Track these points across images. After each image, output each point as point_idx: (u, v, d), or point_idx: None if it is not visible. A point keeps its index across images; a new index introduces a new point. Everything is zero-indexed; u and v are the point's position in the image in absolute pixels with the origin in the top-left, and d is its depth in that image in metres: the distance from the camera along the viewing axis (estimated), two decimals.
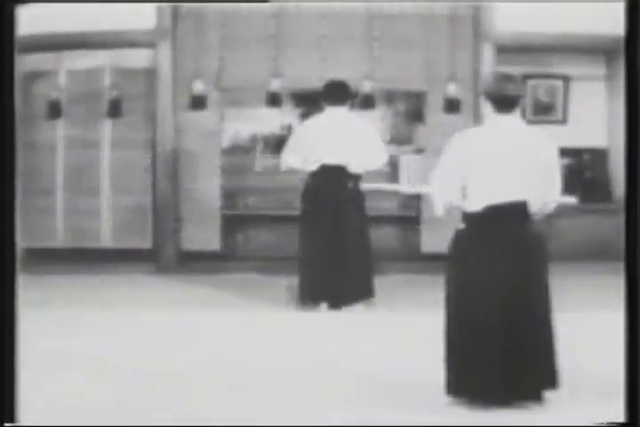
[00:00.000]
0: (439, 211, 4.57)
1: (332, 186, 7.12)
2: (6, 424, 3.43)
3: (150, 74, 9.03)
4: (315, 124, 7.32)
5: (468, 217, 4.42)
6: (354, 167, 7.15)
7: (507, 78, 4.51)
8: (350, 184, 7.17)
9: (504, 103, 4.41)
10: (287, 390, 4.64)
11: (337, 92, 7.29)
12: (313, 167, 7.17)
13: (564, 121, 10.10)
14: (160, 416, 4.13)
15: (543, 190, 4.45)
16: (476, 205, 4.37)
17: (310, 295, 7.02)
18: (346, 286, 6.99)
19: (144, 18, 8.73)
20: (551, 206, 4.55)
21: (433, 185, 4.53)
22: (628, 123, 3.99)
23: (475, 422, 4.10)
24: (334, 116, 7.23)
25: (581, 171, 9.93)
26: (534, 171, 4.40)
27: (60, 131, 9.17)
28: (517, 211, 4.38)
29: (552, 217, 9.38)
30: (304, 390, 4.64)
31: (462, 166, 4.38)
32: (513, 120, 4.45)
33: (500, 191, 4.35)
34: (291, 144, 7.36)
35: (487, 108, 4.47)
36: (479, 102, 8.92)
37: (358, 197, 7.23)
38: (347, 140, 7.13)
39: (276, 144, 10.33)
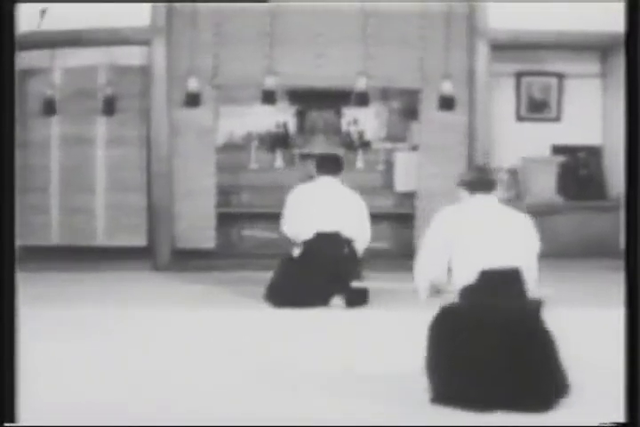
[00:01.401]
0: (422, 295, 4.62)
1: (327, 252, 7.09)
2: (6, 424, 3.42)
3: (145, 71, 9.02)
4: (307, 194, 7.34)
5: (462, 291, 4.44)
6: (348, 232, 7.17)
7: (481, 169, 4.82)
8: (346, 250, 7.18)
9: (480, 185, 4.58)
10: (281, 389, 4.64)
11: (330, 165, 7.39)
12: (308, 235, 7.17)
13: (558, 118, 10.13)
14: (159, 415, 4.12)
15: (527, 259, 4.50)
16: (467, 275, 4.41)
17: (277, 297, 7.05)
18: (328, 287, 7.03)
19: (139, 15, 8.71)
20: (532, 282, 4.54)
21: (418, 266, 4.60)
22: (627, 120, 3.99)
23: (473, 421, 4.10)
24: (326, 186, 7.30)
25: (576, 168, 9.96)
26: (516, 237, 4.47)
27: (55, 128, 9.17)
28: (511, 279, 4.41)
29: (547, 214, 9.49)
30: (297, 388, 4.64)
31: (447, 239, 4.45)
32: (490, 197, 4.59)
33: (489, 256, 4.39)
34: (287, 214, 7.35)
35: (463, 193, 4.62)
36: (474, 99, 9.00)
37: (354, 261, 7.22)
38: (339, 209, 7.20)
39: (271, 142, 10.35)
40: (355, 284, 7.12)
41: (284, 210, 7.37)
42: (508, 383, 4.21)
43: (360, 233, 7.26)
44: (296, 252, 7.24)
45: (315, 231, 7.15)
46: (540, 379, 4.27)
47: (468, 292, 4.42)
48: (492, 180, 4.61)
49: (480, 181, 4.58)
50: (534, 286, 4.56)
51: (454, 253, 4.45)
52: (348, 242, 7.21)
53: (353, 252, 7.23)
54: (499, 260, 4.39)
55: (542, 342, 4.36)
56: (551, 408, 4.22)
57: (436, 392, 4.32)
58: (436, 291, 4.60)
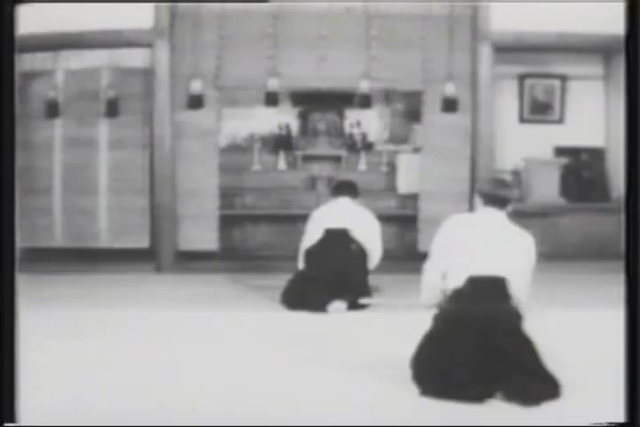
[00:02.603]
0: (424, 299, 4.77)
1: (335, 248, 7.18)
2: (6, 424, 3.43)
3: (148, 73, 9.02)
4: (325, 209, 7.46)
5: (450, 295, 4.58)
6: (356, 231, 7.26)
7: (501, 183, 4.82)
8: (353, 246, 7.24)
9: (495, 202, 4.68)
10: (282, 389, 4.65)
11: (346, 189, 7.51)
12: (318, 234, 7.26)
13: (561, 120, 10.13)
14: (160, 416, 4.13)
15: (518, 275, 4.60)
16: (457, 279, 4.55)
17: (291, 300, 7.08)
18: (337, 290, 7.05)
19: (141, 17, 8.72)
20: (523, 295, 4.65)
21: (425, 270, 4.76)
22: (628, 122, 4.00)
23: (472, 422, 4.10)
24: (342, 202, 7.42)
25: (579, 170, 9.96)
26: (511, 251, 4.58)
27: (58, 130, 9.17)
28: (497, 286, 4.52)
29: (550, 216, 9.49)
30: (298, 388, 4.65)
31: (447, 244, 4.63)
32: (499, 213, 4.69)
33: (479, 263, 4.52)
34: (307, 231, 7.42)
35: (478, 202, 4.74)
36: (477, 101, 9.00)
37: (362, 259, 7.28)
38: (350, 215, 7.33)
39: (274, 143, 10.37)
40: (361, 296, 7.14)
41: (306, 230, 7.41)
42: (489, 374, 4.35)
43: (370, 243, 7.32)
44: (300, 264, 7.29)
45: (324, 228, 7.23)
46: (522, 371, 4.38)
47: (455, 295, 4.55)
48: (508, 198, 4.71)
49: (496, 196, 4.68)
50: (523, 302, 4.66)
51: (450, 256, 4.61)
52: (356, 242, 7.26)
53: (361, 253, 7.26)
54: (487, 268, 4.53)
55: (521, 341, 4.47)
56: (538, 401, 4.29)
57: (423, 385, 4.44)
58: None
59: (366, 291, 7.19)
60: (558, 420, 4.09)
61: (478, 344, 4.37)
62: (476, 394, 4.31)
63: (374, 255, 7.38)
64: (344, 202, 7.42)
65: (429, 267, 4.74)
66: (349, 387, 4.68)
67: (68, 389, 4.59)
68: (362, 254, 7.31)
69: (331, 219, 7.30)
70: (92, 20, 8.55)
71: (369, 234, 7.35)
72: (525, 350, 4.46)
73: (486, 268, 4.53)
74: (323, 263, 7.15)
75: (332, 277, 7.06)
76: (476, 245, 4.56)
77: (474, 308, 4.45)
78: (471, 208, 4.86)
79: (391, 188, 9.93)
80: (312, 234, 7.34)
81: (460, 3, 8.96)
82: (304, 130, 10.54)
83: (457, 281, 4.56)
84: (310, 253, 7.28)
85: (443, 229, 4.72)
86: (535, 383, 4.37)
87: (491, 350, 4.37)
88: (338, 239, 7.24)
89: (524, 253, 4.64)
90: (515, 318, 4.52)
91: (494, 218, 4.68)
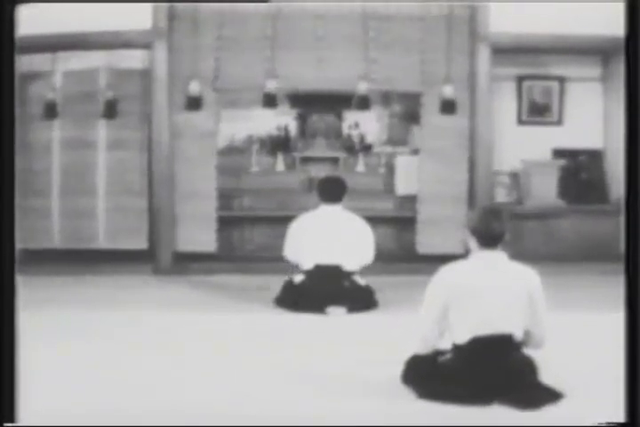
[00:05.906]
0: (420, 351, 4.56)
1: (326, 287, 6.97)
2: (6, 424, 3.43)
3: (146, 74, 9.02)
4: (309, 224, 7.18)
5: (454, 350, 4.44)
6: (349, 266, 7.09)
7: (492, 214, 4.46)
8: (347, 283, 7.06)
9: (489, 240, 4.41)
10: (283, 389, 4.64)
11: (332, 190, 7.21)
12: (307, 266, 7.10)
13: (559, 122, 10.13)
14: (159, 418, 4.12)
15: (527, 322, 4.45)
16: (461, 337, 4.39)
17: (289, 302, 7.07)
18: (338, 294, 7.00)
19: (140, 18, 8.72)
20: (539, 339, 4.54)
21: (420, 334, 4.51)
22: (627, 123, 4.00)
23: (471, 422, 4.10)
24: (328, 216, 7.16)
25: (577, 172, 9.96)
26: (518, 304, 4.40)
27: (56, 131, 9.16)
28: (503, 344, 4.38)
29: (548, 218, 9.50)
30: (299, 391, 4.65)
31: (446, 303, 4.38)
32: (497, 255, 4.44)
33: (484, 323, 4.34)
34: (288, 243, 7.25)
35: (472, 242, 4.47)
36: (475, 103, 9.01)
37: (358, 292, 7.08)
38: (341, 241, 7.06)
39: (272, 145, 10.37)
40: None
41: (286, 238, 7.28)
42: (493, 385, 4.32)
43: (364, 259, 7.17)
44: (297, 278, 7.17)
45: (314, 263, 7.06)
46: (525, 381, 4.38)
47: (460, 352, 4.41)
48: (503, 232, 4.40)
49: (490, 234, 4.39)
50: (540, 342, 4.56)
51: (450, 314, 4.40)
52: (349, 275, 7.10)
53: (355, 285, 7.10)
54: (493, 327, 4.36)
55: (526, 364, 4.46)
56: (538, 405, 4.27)
57: (419, 389, 4.45)
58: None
59: (371, 297, 7.17)
60: (558, 421, 4.09)
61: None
62: (474, 397, 4.30)
63: (365, 260, 7.20)
64: (331, 214, 7.15)
65: (425, 319, 4.47)
66: (349, 387, 4.68)
67: (67, 389, 4.59)
68: (356, 288, 7.11)
69: (321, 249, 7.03)
70: (91, 21, 8.54)
71: (363, 254, 7.14)
72: (528, 369, 4.45)
73: (491, 327, 4.36)
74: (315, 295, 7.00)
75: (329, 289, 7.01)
76: (477, 304, 4.34)
77: (480, 366, 4.35)
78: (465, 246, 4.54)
79: (389, 189, 9.91)
80: (300, 256, 7.12)
81: (458, 4, 8.96)
82: (302, 131, 10.54)
83: (459, 339, 4.40)
84: (299, 287, 7.11)
85: (436, 287, 4.44)
86: (535, 391, 4.37)
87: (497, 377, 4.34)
88: (329, 277, 7.02)
89: (533, 296, 4.44)
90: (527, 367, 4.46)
91: (491, 264, 4.42)
